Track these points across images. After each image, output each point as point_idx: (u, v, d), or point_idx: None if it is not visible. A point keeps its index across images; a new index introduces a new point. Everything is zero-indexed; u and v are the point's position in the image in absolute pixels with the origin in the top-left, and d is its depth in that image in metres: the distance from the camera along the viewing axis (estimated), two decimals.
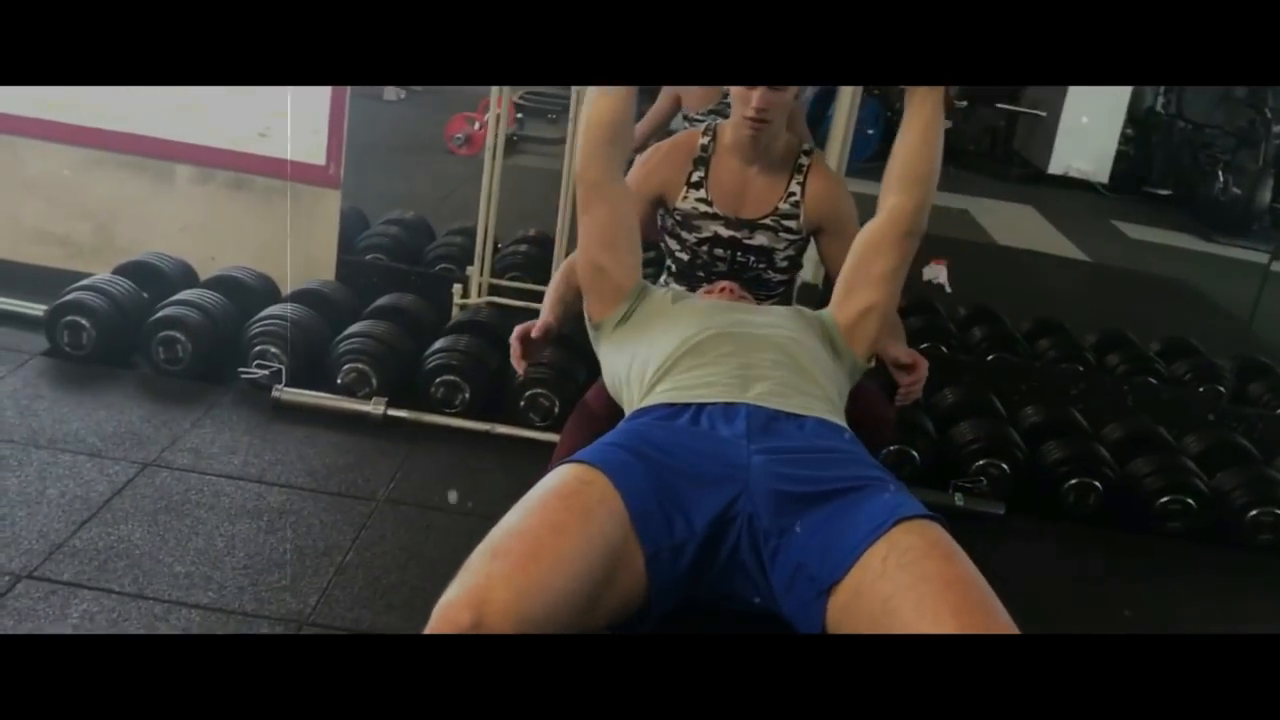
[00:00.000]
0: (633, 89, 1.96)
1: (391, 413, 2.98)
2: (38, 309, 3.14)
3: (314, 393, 3.00)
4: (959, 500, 2.98)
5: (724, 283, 2.39)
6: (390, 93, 7.42)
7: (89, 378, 3.02)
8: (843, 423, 1.74)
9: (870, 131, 7.45)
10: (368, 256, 3.87)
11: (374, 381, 3.04)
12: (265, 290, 3.39)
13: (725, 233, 2.49)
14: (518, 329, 2.16)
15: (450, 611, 1.27)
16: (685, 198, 2.49)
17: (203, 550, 2.32)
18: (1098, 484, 3.05)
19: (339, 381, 3.04)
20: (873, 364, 2.14)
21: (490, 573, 1.31)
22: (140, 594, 2.15)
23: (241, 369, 3.01)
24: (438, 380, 3.04)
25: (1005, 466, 3.07)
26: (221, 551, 2.33)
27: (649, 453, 1.55)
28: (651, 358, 1.85)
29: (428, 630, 1.28)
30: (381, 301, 3.36)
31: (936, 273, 5.13)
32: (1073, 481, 3.07)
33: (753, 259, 2.51)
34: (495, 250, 3.83)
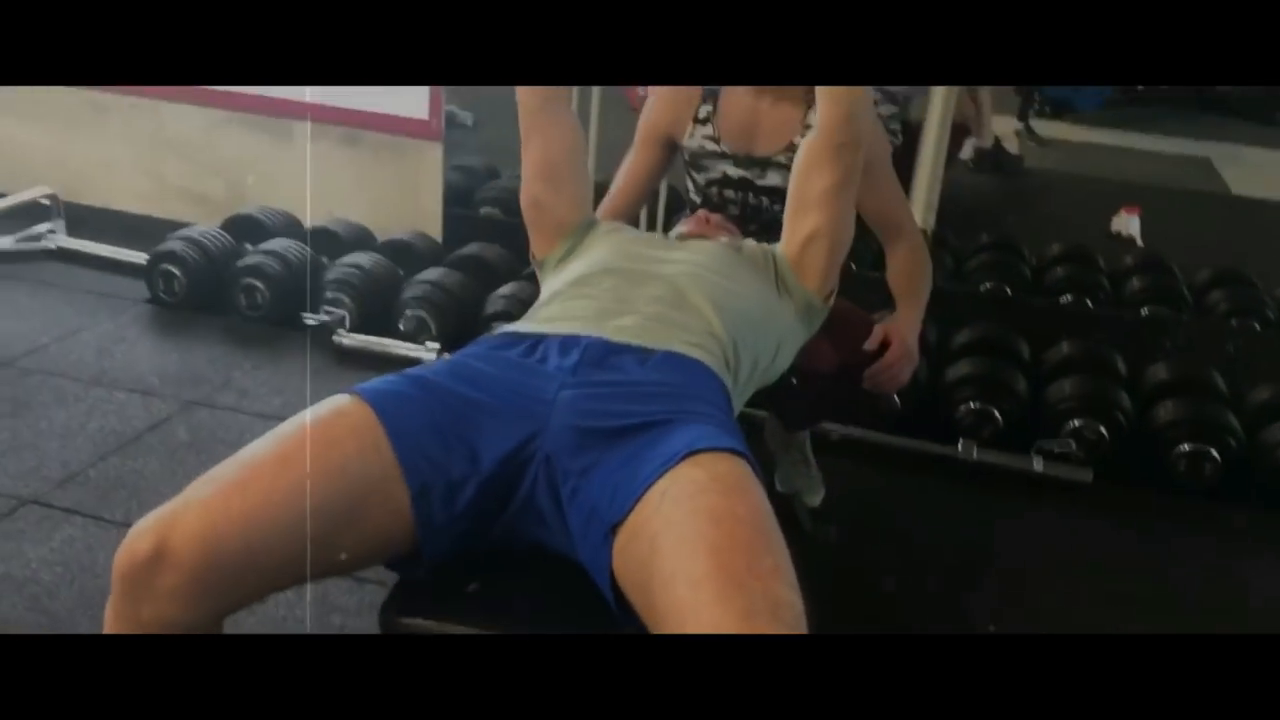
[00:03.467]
0: None
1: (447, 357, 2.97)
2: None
3: (373, 338, 3.04)
4: (1037, 465, 2.65)
5: (702, 212, 2.22)
6: None
7: (178, 323, 3.19)
8: (711, 360, 1.56)
9: None
10: (482, 210, 3.89)
11: (433, 328, 3.04)
12: (357, 241, 3.47)
13: (735, 173, 2.30)
14: None
15: (133, 538, 1.21)
16: (692, 135, 2.32)
17: None
18: (1214, 452, 2.64)
19: (400, 327, 3.06)
20: (830, 302, 1.92)
21: (189, 499, 1.24)
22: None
23: (305, 314, 3.08)
24: (493, 325, 3.01)
25: (1102, 429, 2.71)
26: None
27: (446, 383, 1.43)
28: (550, 293, 1.74)
29: (117, 557, 1.23)
30: (463, 251, 3.36)
31: (1126, 223, 4.65)
32: (1184, 448, 2.67)
33: (766, 200, 2.31)
34: None
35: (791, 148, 2.23)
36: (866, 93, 1.79)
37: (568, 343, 1.52)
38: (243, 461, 1.29)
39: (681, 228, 2.19)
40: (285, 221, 3.55)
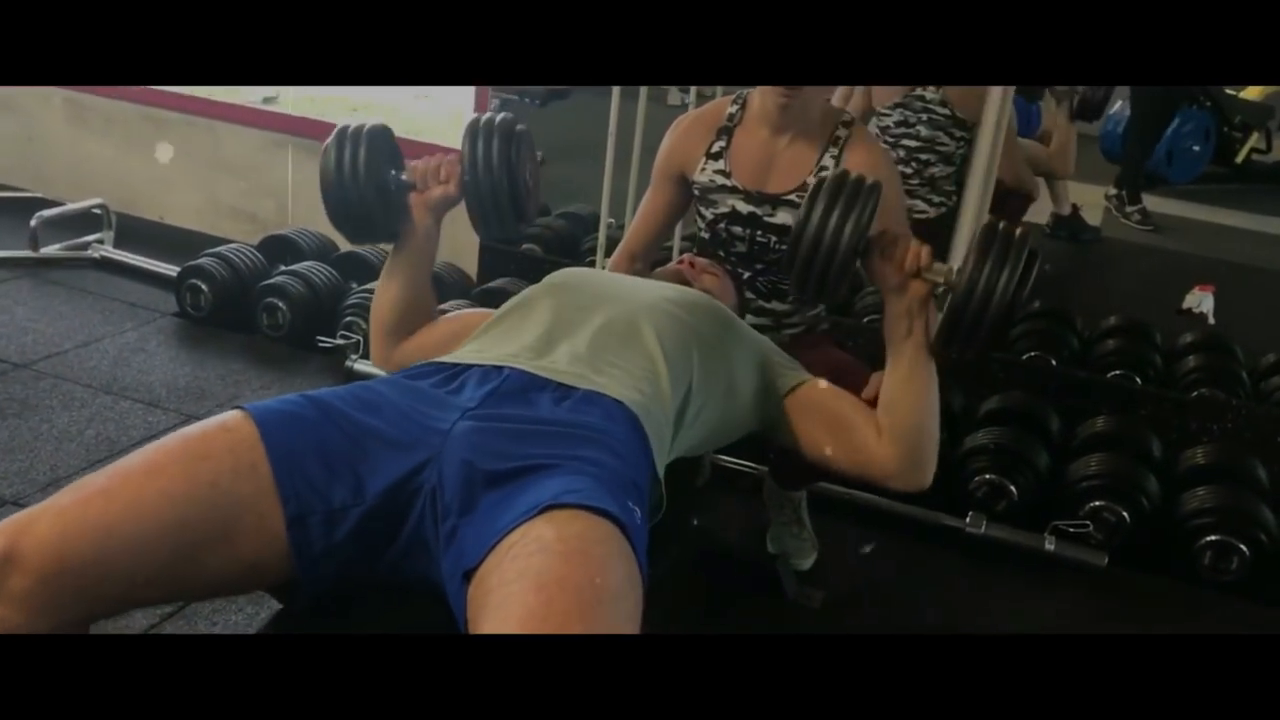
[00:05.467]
0: (416, 280, 1.82)
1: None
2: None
3: None
4: (1049, 545, 2.50)
5: (687, 255, 2.15)
6: (674, 96, 7.39)
7: (200, 337, 3.21)
8: (639, 403, 1.48)
9: (1196, 148, 6.55)
10: (524, 246, 3.86)
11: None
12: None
13: (744, 208, 2.24)
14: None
15: None
16: (703, 170, 2.27)
17: None
18: (1242, 546, 2.46)
19: None
20: None
21: (49, 504, 1.21)
22: None
23: (320, 337, 3.08)
24: None
25: (1124, 513, 2.55)
26: None
27: (344, 408, 1.38)
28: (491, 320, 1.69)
29: None
30: (490, 284, 3.33)
31: (1200, 300, 4.43)
32: (1210, 539, 2.49)
33: (774, 239, 2.24)
34: None
35: (804, 187, 2.17)
36: (934, 440, 1.66)
37: (489, 374, 1.48)
38: (112, 470, 1.26)
39: (673, 264, 2.15)
40: (320, 244, 3.57)
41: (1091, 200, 5.68)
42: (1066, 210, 5.29)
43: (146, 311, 3.33)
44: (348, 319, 3.12)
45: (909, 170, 3.42)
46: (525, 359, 1.51)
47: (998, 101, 2.87)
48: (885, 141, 3.42)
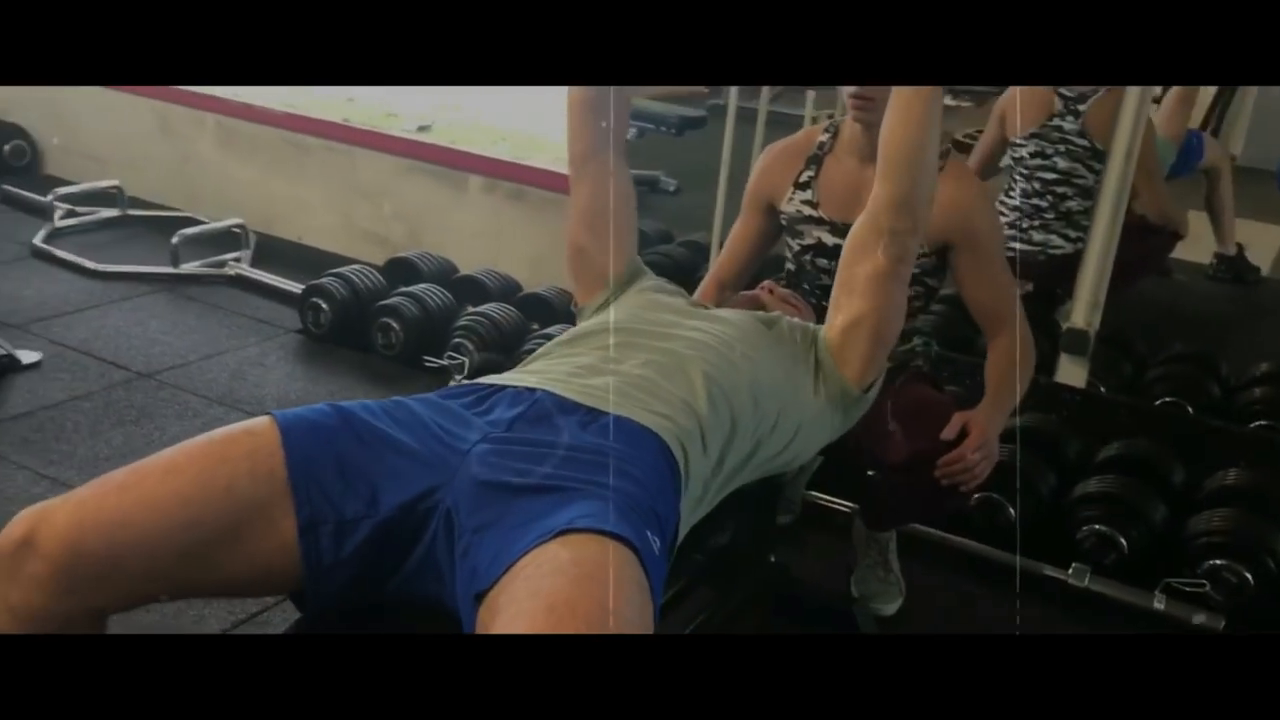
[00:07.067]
0: None
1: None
2: None
3: None
4: (1158, 603, 2.33)
5: (768, 282, 2.10)
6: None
7: (317, 354, 3.31)
8: (672, 433, 1.44)
9: None
10: None
11: None
12: (501, 292, 3.51)
13: (830, 240, 2.18)
14: None
15: (11, 524, 1.24)
16: (790, 200, 2.22)
17: None
18: None
19: None
20: (872, 394, 1.78)
21: (72, 495, 1.25)
22: None
23: (427, 357, 3.13)
24: None
25: (1247, 573, 2.36)
26: None
27: (370, 419, 1.39)
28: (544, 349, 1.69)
29: None
30: None
31: None
32: None
33: None
34: None
35: None
36: (927, 176, 1.65)
37: (520, 396, 1.47)
38: (135, 465, 1.30)
39: (748, 293, 2.11)
40: (440, 268, 3.65)
41: (1261, 240, 5.34)
42: (1231, 249, 4.98)
43: (271, 328, 3.45)
44: (456, 340, 3.16)
45: (1044, 204, 3.28)
46: (559, 383, 1.50)
47: (1128, 129, 2.71)
48: (1019, 174, 3.30)
